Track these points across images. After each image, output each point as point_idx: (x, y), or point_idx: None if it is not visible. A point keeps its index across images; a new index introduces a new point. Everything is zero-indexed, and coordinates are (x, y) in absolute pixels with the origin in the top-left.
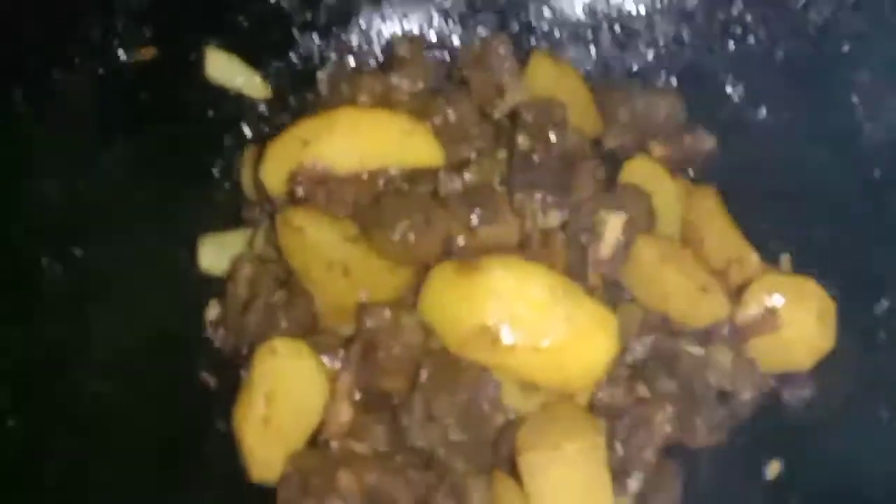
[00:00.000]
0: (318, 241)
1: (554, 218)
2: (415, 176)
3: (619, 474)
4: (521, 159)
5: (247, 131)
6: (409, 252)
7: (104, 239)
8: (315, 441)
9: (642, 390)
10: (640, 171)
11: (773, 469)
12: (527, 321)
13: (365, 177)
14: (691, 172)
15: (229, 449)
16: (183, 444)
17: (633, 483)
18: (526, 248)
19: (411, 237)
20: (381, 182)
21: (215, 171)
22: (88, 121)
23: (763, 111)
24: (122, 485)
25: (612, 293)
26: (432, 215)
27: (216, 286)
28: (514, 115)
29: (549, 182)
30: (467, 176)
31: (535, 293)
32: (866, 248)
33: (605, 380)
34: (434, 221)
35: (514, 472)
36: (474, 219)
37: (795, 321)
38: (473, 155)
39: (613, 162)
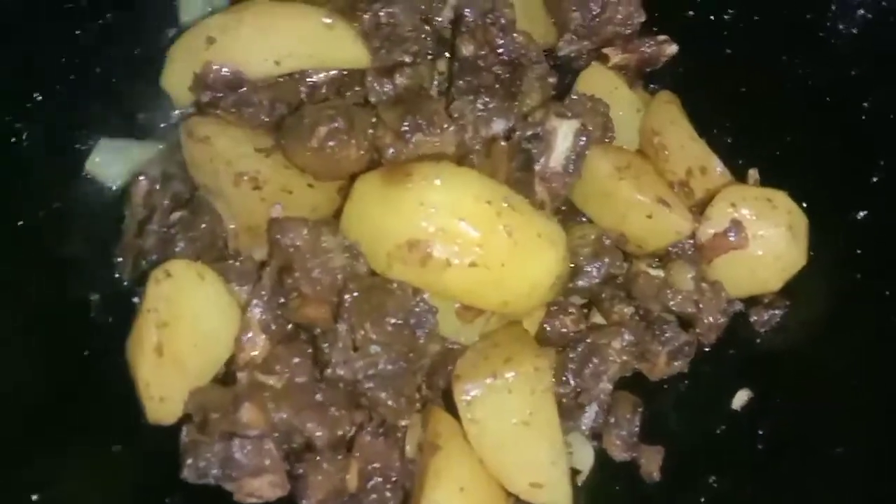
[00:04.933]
0: (225, 152)
1: (497, 126)
2: (343, 85)
3: (572, 408)
4: (462, 64)
5: None
6: (329, 163)
7: None
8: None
9: (597, 317)
10: (596, 81)
11: (740, 398)
12: (462, 235)
13: (282, 81)
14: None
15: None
16: (78, 387)
17: (588, 416)
18: (465, 161)
19: (331, 144)
20: (302, 91)
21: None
22: None
23: (729, 11)
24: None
25: (564, 214)
26: (356, 120)
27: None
28: (457, 20)
29: (492, 88)
30: (399, 80)
31: (472, 203)
32: (840, 155)
33: (554, 307)
34: (358, 127)
35: (451, 407)
36: (406, 125)
37: (764, 237)
38: (408, 59)
39: (567, 72)
